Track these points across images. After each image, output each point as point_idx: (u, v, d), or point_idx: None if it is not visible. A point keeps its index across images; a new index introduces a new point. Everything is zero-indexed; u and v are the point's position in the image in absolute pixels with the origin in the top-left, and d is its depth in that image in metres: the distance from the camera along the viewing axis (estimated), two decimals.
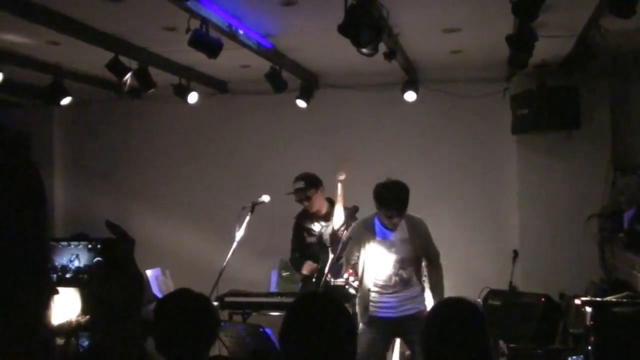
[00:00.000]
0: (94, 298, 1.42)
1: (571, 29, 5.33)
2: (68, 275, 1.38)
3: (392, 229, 4.84)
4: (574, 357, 4.21)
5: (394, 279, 4.86)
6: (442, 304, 2.87)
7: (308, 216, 5.74)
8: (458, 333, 2.48)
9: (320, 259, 5.55)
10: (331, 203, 5.61)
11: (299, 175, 5.62)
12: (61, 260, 1.38)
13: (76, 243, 1.36)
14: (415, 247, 4.88)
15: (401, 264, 4.86)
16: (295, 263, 5.83)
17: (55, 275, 1.35)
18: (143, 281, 1.45)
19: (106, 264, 1.46)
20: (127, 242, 1.43)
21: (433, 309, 2.93)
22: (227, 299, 6.24)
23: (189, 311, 2.63)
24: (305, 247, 5.74)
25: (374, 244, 4.87)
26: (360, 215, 5.19)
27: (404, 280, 4.87)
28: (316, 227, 5.69)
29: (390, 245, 4.86)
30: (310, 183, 5.58)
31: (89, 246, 1.32)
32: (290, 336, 2.35)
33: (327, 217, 5.61)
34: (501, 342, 4.67)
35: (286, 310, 2.44)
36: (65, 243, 1.36)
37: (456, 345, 2.46)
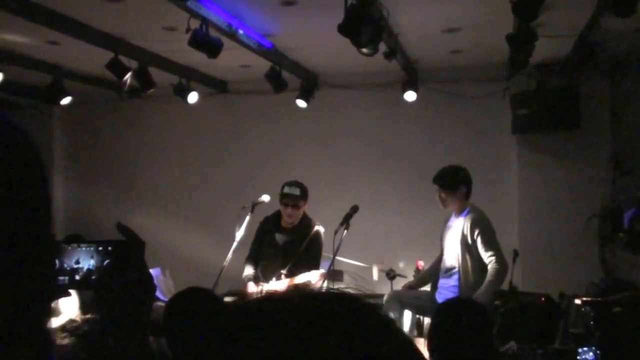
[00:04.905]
0: (104, 300, 1.41)
1: (571, 29, 5.33)
2: (77, 277, 1.38)
3: (443, 206, 5.01)
4: (585, 349, 4.21)
5: (442, 263, 5.04)
6: (448, 304, 2.87)
7: (276, 224, 5.43)
8: (464, 333, 2.48)
9: (268, 273, 5.33)
10: (304, 216, 5.38)
11: (293, 181, 5.34)
12: (70, 262, 1.39)
13: (85, 245, 1.36)
14: (460, 237, 4.88)
15: (446, 250, 4.98)
16: (246, 274, 5.46)
17: (66, 278, 1.36)
18: (153, 284, 1.44)
19: (117, 267, 1.45)
20: (138, 244, 1.42)
21: (439, 309, 2.93)
22: (227, 299, 6.26)
23: (204, 310, 2.64)
24: (262, 257, 5.45)
25: (446, 226, 5.08)
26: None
27: (446, 267, 4.97)
28: (279, 238, 5.38)
29: (446, 229, 5.04)
30: (304, 193, 5.29)
31: (100, 248, 1.32)
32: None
33: (294, 230, 5.33)
34: (512, 343, 4.67)
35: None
36: (74, 245, 1.36)
37: (462, 344, 2.47)
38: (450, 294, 4.88)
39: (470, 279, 4.87)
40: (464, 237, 4.87)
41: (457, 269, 4.90)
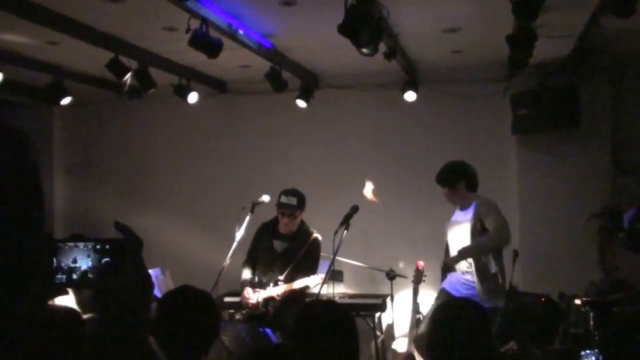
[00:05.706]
0: (102, 298, 1.42)
1: (571, 29, 5.33)
2: (74, 276, 1.37)
3: (450, 202, 5.13)
4: (588, 351, 4.20)
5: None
6: (447, 304, 2.88)
7: (274, 231, 5.41)
8: (463, 332, 2.49)
9: (265, 279, 5.32)
10: (302, 224, 5.38)
11: (291, 190, 5.32)
12: (67, 261, 1.38)
13: (83, 244, 1.35)
14: (470, 228, 4.92)
15: (455, 245, 5.02)
16: (243, 279, 5.48)
17: (64, 276, 1.35)
18: (151, 283, 1.44)
19: (115, 265, 1.45)
20: (135, 242, 1.43)
21: (437, 308, 2.94)
22: (227, 299, 6.25)
23: (192, 308, 2.64)
24: (260, 263, 5.44)
25: (450, 222, 5.17)
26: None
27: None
28: (277, 245, 5.38)
29: (452, 225, 5.12)
30: (301, 203, 5.28)
31: (97, 247, 1.31)
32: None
33: (292, 237, 5.32)
34: (512, 343, 4.69)
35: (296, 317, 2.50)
36: (71, 244, 1.35)
37: (461, 344, 2.47)
38: (466, 291, 4.92)
39: (483, 267, 4.92)
40: (474, 226, 4.92)
41: (466, 263, 4.94)
